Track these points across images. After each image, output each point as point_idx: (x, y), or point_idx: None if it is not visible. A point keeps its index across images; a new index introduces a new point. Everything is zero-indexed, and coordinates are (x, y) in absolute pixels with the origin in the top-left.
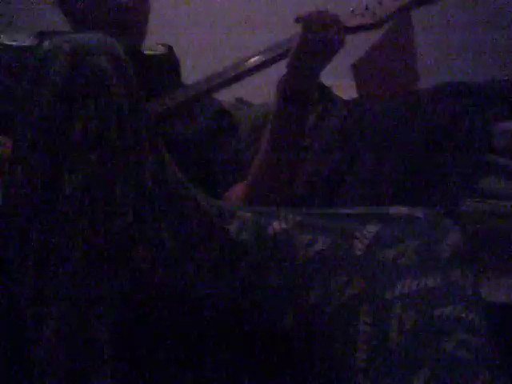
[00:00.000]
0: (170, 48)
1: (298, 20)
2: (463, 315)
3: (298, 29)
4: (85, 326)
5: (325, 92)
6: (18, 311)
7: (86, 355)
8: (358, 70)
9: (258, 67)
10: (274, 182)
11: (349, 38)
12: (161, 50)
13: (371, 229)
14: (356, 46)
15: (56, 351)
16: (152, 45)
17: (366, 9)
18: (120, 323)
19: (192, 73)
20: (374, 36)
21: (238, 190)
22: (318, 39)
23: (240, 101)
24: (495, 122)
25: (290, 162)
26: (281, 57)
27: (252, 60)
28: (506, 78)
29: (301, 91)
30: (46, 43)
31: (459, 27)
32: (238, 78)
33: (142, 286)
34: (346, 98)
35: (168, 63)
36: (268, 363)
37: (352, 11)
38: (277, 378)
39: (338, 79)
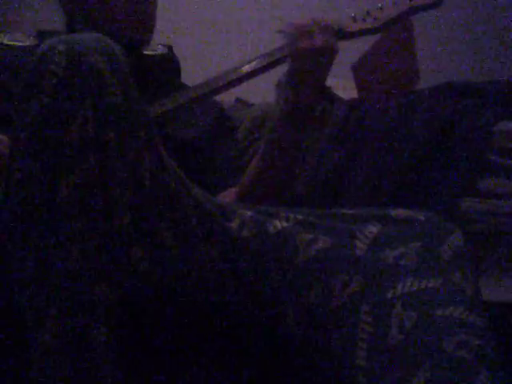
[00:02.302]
0: (170, 48)
1: (280, 32)
2: (463, 316)
3: None
4: (84, 328)
5: (325, 92)
6: (17, 312)
7: (86, 357)
8: (358, 70)
9: (256, 72)
10: (267, 188)
11: None
12: (161, 50)
13: (372, 229)
14: (356, 46)
15: (55, 353)
16: (152, 45)
17: (367, 14)
18: (119, 325)
19: (192, 73)
20: (374, 36)
21: (231, 194)
22: (305, 50)
23: (240, 101)
24: (495, 121)
25: (284, 171)
26: (279, 62)
27: (250, 65)
28: (506, 78)
29: (301, 105)
30: (43, 44)
31: (459, 27)
32: (237, 81)
33: (142, 287)
34: (346, 97)
35: (168, 63)
36: (268, 362)
37: (353, 16)
38: (277, 378)
39: (338, 79)
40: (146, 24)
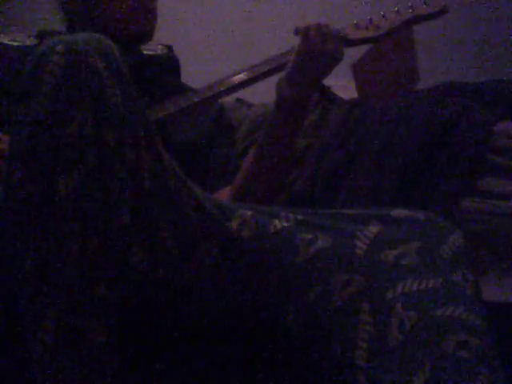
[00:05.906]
0: (170, 48)
1: (296, 31)
2: (463, 316)
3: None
4: (84, 328)
5: (325, 92)
6: (17, 312)
7: (86, 358)
8: (358, 70)
9: (259, 77)
10: (259, 188)
11: None
12: (161, 49)
13: (372, 229)
14: (356, 46)
15: (55, 353)
16: (152, 45)
17: (370, 22)
18: (120, 324)
19: (192, 73)
20: None
21: (223, 193)
22: (315, 51)
23: (240, 101)
24: (495, 122)
25: (276, 172)
26: (276, 70)
27: (252, 70)
28: (506, 78)
29: (296, 102)
30: (43, 44)
31: (459, 27)
32: (238, 87)
33: (142, 287)
34: (346, 97)
35: (168, 63)
36: (268, 362)
37: (356, 24)
38: (277, 378)
39: (338, 79)
40: (149, 17)
